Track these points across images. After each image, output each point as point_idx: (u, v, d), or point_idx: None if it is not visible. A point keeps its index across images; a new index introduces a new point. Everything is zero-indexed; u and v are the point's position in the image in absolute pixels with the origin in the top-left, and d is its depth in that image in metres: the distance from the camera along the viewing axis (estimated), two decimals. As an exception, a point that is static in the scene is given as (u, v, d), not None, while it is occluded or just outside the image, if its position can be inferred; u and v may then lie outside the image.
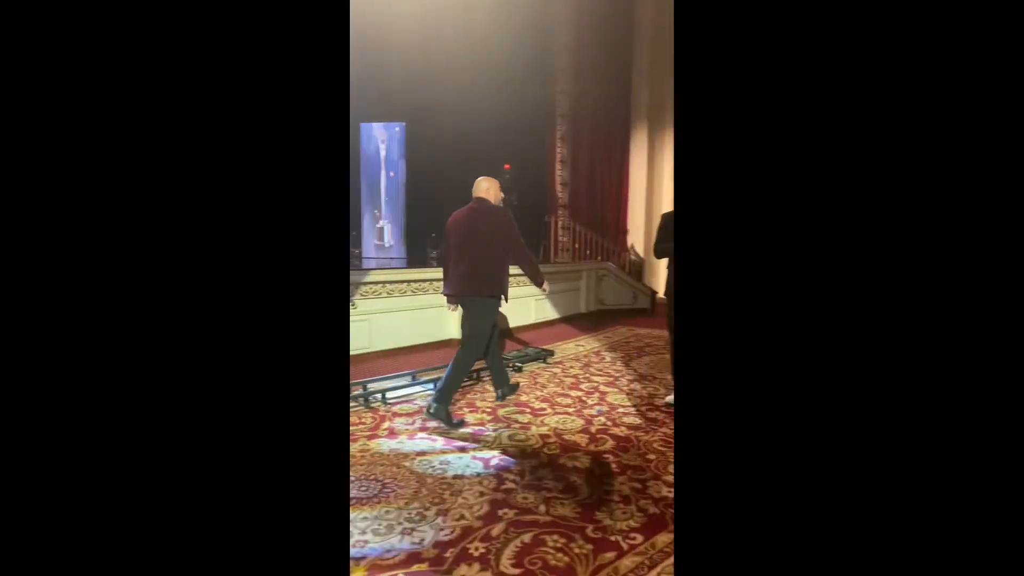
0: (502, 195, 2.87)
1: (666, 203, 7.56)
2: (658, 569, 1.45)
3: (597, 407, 2.92)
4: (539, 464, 2.15)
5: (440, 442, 2.38)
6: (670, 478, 2.03)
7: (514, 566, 1.45)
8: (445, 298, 2.84)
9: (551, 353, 4.17)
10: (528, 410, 2.86)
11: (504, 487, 1.93)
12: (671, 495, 1.88)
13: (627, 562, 1.48)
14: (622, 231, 7.76)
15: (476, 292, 2.68)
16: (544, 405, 2.95)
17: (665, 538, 1.61)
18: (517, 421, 2.67)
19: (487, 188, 2.79)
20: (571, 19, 7.26)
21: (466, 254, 2.68)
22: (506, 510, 1.76)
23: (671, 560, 1.49)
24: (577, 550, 1.53)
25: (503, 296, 2.72)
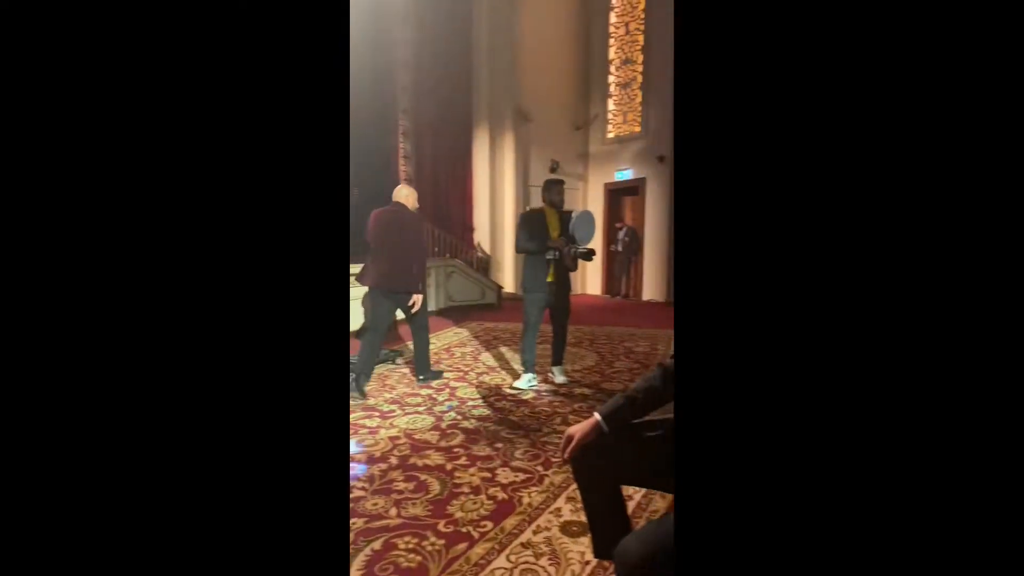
0: (418, 205, 3.29)
1: (508, 201, 7.89)
2: (507, 551, 1.52)
3: (448, 403, 2.95)
4: (389, 467, 2.10)
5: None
6: (517, 463, 2.14)
7: (364, 576, 1.40)
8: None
9: (400, 353, 4.10)
10: (377, 413, 2.77)
11: (352, 496, 1.85)
12: (519, 479, 1.99)
13: (478, 550, 1.53)
14: (468, 228, 7.91)
15: (395, 288, 3.08)
16: (394, 407, 2.89)
17: (513, 521, 1.69)
18: (364, 426, 2.58)
19: (407, 195, 3.21)
20: (410, 11, 7.16)
21: (383, 254, 3.08)
22: (355, 520, 1.69)
23: (519, 539, 1.58)
24: (429, 547, 1.54)
25: (419, 288, 3.13)
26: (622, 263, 8.20)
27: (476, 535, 1.61)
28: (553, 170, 8.15)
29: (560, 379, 3.33)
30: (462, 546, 1.55)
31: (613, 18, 8.49)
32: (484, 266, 7.74)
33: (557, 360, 3.36)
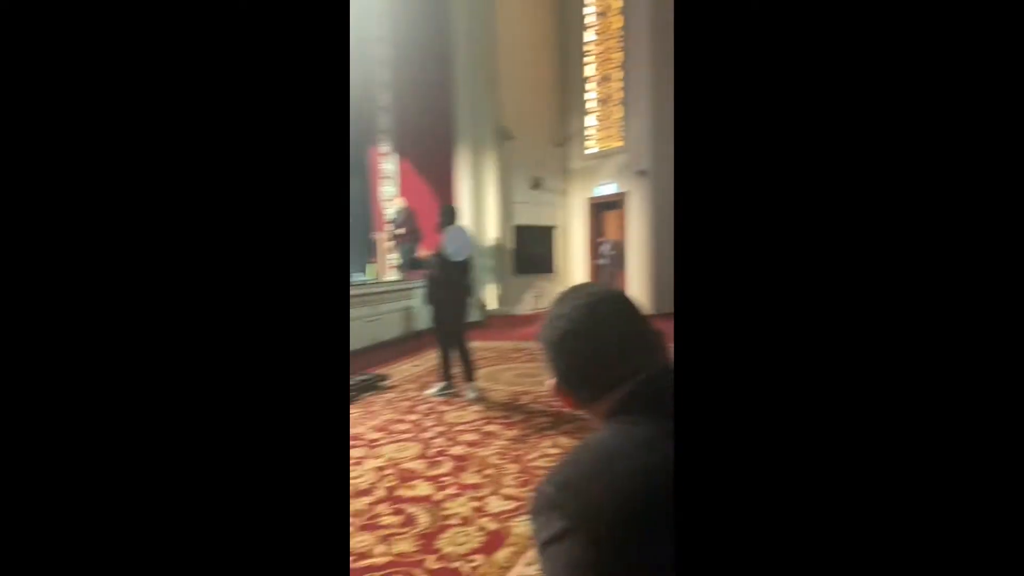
0: None
1: (492, 218, 7.88)
2: (499, 587, 1.47)
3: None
4: (376, 500, 2.04)
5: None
6: (508, 491, 2.09)
7: (351, 623, 1.34)
8: None
9: (384, 377, 4.03)
10: (362, 442, 2.70)
11: (337, 534, 1.79)
12: (510, 507, 1.94)
13: (469, 588, 1.48)
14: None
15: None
16: (379, 435, 2.82)
17: (504, 553, 1.64)
18: (351, 457, 2.51)
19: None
20: (386, 35, 7.19)
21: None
22: (340, 560, 1.62)
23: (513, 572, 1.53)
24: (419, 587, 1.48)
25: None
26: (606, 276, 8.23)
27: (467, 570, 1.55)
28: (535, 187, 8.21)
29: (471, 395, 3.43)
30: (453, 584, 1.49)
31: (591, 35, 8.62)
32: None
33: (466, 377, 3.53)
